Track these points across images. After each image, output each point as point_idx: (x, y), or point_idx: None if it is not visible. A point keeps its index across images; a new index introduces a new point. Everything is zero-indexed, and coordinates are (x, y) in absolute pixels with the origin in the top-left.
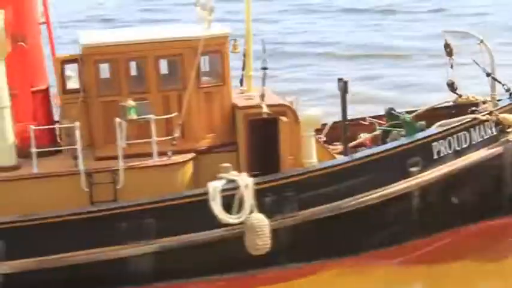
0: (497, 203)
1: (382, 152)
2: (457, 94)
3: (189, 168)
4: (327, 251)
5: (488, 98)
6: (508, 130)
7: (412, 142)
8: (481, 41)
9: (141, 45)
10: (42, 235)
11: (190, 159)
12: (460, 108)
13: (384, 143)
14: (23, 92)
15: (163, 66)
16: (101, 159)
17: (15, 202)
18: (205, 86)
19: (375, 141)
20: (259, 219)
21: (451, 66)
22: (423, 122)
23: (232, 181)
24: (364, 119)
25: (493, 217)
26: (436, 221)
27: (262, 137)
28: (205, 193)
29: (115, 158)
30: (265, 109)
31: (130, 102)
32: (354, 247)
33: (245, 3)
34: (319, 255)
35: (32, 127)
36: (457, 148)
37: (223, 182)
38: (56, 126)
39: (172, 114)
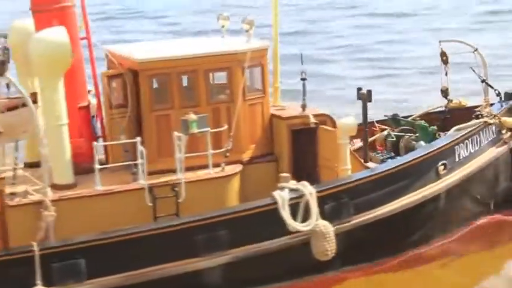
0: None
1: (420, 156)
2: (447, 99)
3: (238, 179)
4: (377, 253)
5: (482, 102)
6: (503, 131)
7: (442, 146)
8: (476, 50)
9: (192, 60)
10: (121, 251)
11: (240, 171)
12: (452, 112)
13: (396, 147)
14: (71, 108)
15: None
16: (153, 173)
17: (82, 220)
18: (250, 98)
19: (383, 145)
20: (326, 226)
21: (446, 74)
22: (435, 127)
23: (295, 190)
24: (372, 123)
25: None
26: (456, 219)
27: (304, 146)
28: (274, 202)
29: (168, 171)
30: (312, 119)
31: (192, 116)
32: (398, 247)
33: (273, 15)
34: (370, 257)
35: (96, 143)
36: (471, 150)
37: (286, 191)
38: (119, 142)
39: (225, 127)
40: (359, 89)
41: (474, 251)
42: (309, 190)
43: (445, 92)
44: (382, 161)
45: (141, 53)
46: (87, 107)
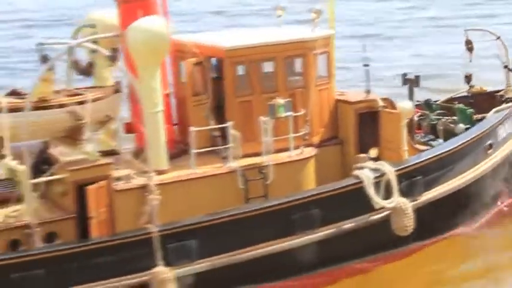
0: None
1: (476, 136)
2: (469, 85)
3: (314, 162)
4: (443, 227)
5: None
6: None
7: (489, 127)
8: (498, 38)
9: (273, 47)
10: (229, 231)
11: (315, 153)
12: (475, 97)
13: (434, 130)
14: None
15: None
16: (224, 157)
17: (181, 202)
18: (319, 84)
19: (420, 128)
20: (405, 203)
21: (470, 61)
22: (472, 110)
23: (376, 169)
24: None
25: None
26: (495, 195)
27: (370, 129)
28: (360, 181)
29: (252, 155)
30: (380, 103)
31: (280, 101)
32: (457, 222)
33: (329, 4)
34: (437, 232)
35: (192, 128)
36: (508, 131)
37: (367, 170)
38: (214, 127)
39: (303, 112)
40: (404, 75)
41: None
42: (389, 169)
43: (468, 78)
44: (425, 143)
45: (226, 41)
46: (168, 95)
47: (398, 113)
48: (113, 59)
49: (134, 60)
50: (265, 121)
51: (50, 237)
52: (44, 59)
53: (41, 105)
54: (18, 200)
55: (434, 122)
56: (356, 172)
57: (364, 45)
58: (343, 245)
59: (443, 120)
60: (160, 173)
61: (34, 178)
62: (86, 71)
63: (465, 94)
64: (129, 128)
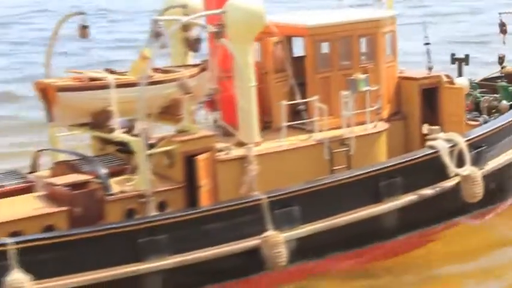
0: None
1: None
2: (501, 66)
3: (385, 135)
4: (499, 197)
5: None
6: None
7: None
8: None
9: (350, 25)
10: (326, 198)
11: (387, 127)
12: (508, 76)
13: (478, 107)
14: None
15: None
16: (309, 131)
17: (274, 173)
18: (387, 61)
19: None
20: (475, 171)
21: (504, 43)
22: None
23: (449, 140)
24: None
25: None
26: None
27: (433, 104)
28: (436, 151)
29: (331, 129)
30: (444, 79)
31: (360, 76)
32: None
33: None
34: (494, 201)
35: (284, 103)
36: None
37: (441, 141)
38: (300, 101)
39: (377, 87)
40: (453, 55)
41: None
42: (460, 139)
43: (501, 59)
44: (472, 119)
45: (308, 20)
46: None
47: (460, 88)
48: (219, 35)
49: (231, 36)
50: (346, 95)
51: (161, 206)
52: (157, 35)
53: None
54: (132, 171)
55: (479, 100)
56: (431, 143)
57: (424, 25)
58: (420, 212)
59: (486, 97)
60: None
61: (128, 153)
62: (194, 47)
63: (498, 74)
64: (211, 106)
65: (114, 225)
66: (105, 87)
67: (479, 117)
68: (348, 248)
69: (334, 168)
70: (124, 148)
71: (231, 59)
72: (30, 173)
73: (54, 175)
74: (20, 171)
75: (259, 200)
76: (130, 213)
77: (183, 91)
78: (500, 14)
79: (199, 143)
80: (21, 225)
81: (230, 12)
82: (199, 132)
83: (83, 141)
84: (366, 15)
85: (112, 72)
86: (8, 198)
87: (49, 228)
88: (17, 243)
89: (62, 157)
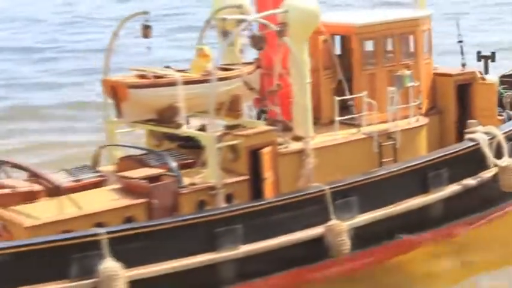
0: None
1: None
2: None
3: (426, 129)
4: None
5: None
6: None
7: None
8: None
9: (393, 24)
10: (381, 189)
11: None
12: None
13: (501, 102)
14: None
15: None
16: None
17: (329, 165)
18: (425, 58)
19: None
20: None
21: None
22: None
23: (488, 133)
24: None
25: None
26: None
27: (467, 99)
28: (477, 143)
29: (376, 123)
30: (479, 75)
31: (406, 72)
32: None
33: None
34: None
35: (337, 98)
36: None
37: (480, 133)
38: (352, 96)
39: (418, 83)
40: (479, 52)
41: None
42: (499, 132)
43: None
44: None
45: (355, 19)
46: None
47: (492, 83)
48: (282, 34)
49: (290, 35)
50: (392, 91)
51: (228, 198)
52: (225, 33)
53: (208, 78)
54: (201, 164)
55: (502, 95)
56: (472, 135)
57: (457, 22)
58: (462, 201)
59: (509, 93)
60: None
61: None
62: (259, 45)
63: None
64: (258, 103)
65: (194, 216)
66: (172, 84)
67: (502, 112)
68: (408, 234)
69: (383, 160)
70: (186, 143)
71: (287, 56)
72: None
73: (120, 170)
74: (91, 166)
75: (323, 190)
76: (201, 205)
77: (247, 87)
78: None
79: (263, 137)
80: (104, 217)
81: (291, 11)
82: (260, 127)
83: (139, 138)
84: (407, 14)
85: (174, 70)
86: (87, 191)
87: (129, 220)
88: (108, 233)
89: (120, 153)
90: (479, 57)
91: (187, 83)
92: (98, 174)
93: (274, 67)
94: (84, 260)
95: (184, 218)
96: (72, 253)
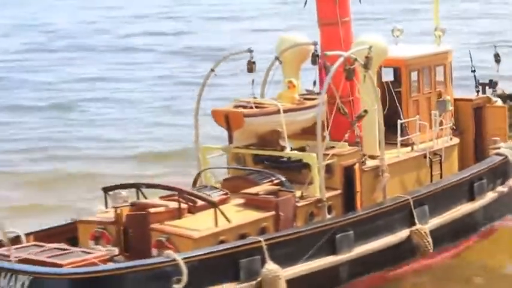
0: None
1: None
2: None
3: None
4: None
5: None
6: None
7: None
8: None
9: (431, 57)
10: (446, 197)
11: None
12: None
13: None
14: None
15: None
16: (409, 144)
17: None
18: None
19: None
20: None
21: (497, 71)
22: None
23: (510, 148)
24: None
25: None
26: None
27: (483, 120)
28: (505, 157)
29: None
30: (494, 99)
31: (448, 97)
32: None
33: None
34: None
35: (399, 121)
36: None
37: (504, 148)
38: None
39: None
40: (478, 80)
41: None
42: None
43: (495, 83)
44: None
45: (402, 53)
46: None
47: (504, 106)
48: (366, 66)
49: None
50: (435, 114)
51: (329, 210)
52: (326, 68)
53: (301, 107)
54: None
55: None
56: (498, 151)
57: (470, 53)
58: (497, 207)
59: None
60: (374, 157)
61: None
62: (351, 76)
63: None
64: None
65: (323, 224)
66: (277, 112)
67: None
68: (462, 235)
69: (433, 175)
70: (274, 164)
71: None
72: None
73: (227, 189)
74: (213, 186)
75: (407, 200)
76: (311, 217)
77: (342, 112)
78: (495, 46)
79: (352, 157)
80: (246, 228)
81: (374, 47)
82: (346, 148)
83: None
84: (439, 48)
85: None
86: (222, 206)
87: (263, 230)
88: (265, 240)
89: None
90: (478, 84)
91: (286, 111)
92: (223, 192)
93: (342, 95)
94: (250, 264)
95: (319, 225)
96: (240, 258)
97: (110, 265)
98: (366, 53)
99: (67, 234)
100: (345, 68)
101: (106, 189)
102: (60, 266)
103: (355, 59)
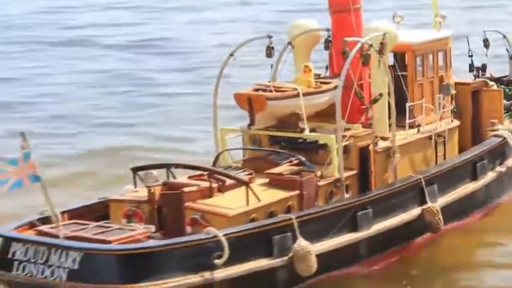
0: None
1: None
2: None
3: None
4: None
5: None
6: None
7: None
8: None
9: (435, 42)
10: (448, 177)
11: None
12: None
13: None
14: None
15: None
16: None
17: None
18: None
19: None
20: None
21: (486, 55)
22: None
23: (508, 130)
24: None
25: None
26: None
27: (480, 103)
28: (504, 138)
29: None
30: (490, 83)
31: (451, 81)
32: None
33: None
34: None
35: (407, 104)
36: None
37: (502, 131)
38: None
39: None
40: (471, 65)
41: None
42: None
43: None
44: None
45: (408, 39)
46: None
47: (500, 90)
48: (381, 52)
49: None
50: (439, 97)
51: (346, 189)
52: (346, 53)
53: (319, 90)
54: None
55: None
56: (497, 132)
57: (467, 39)
58: (496, 185)
59: None
60: (384, 139)
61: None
62: (367, 62)
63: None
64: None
65: (346, 202)
66: (297, 96)
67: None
68: (466, 213)
69: (437, 156)
70: (292, 145)
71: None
72: None
73: (249, 169)
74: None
75: (419, 180)
76: (330, 195)
77: (358, 96)
78: (484, 31)
79: (367, 138)
80: (274, 207)
81: (388, 34)
82: (360, 129)
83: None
84: (441, 34)
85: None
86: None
87: (289, 209)
88: (296, 218)
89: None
90: (472, 68)
91: (305, 94)
92: (248, 172)
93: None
94: (282, 240)
95: (343, 203)
96: (273, 235)
97: (157, 241)
98: (380, 39)
99: (96, 212)
100: (362, 54)
101: (135, 169)
102: (109, 242)
103: (371, 45)
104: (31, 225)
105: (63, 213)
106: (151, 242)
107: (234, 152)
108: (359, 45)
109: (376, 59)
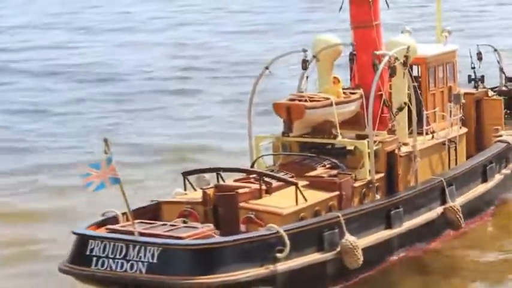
0: None
1: None
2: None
3: None
4: None
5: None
6: None
7: None
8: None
9: (444, 55)
10: (464, 179)
11: None
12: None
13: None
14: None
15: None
16: (432, 132)
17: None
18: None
19: None
20: None
21: (479, 67)
22: None
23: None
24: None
25: None
26: None
27: (482, 111)
28: (508, 144)
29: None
30: (491, 93)
31: (462, 91)
32: None
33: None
34: None
35: (425, 112)
36: None
37: (506, 136)
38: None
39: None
40: (470, 76)
41: None
42: None
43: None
44: None
45: (423, 51)
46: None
47: (500, 99)
48: (405, 64)
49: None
50: (451, 105)
51: (376, 190)
52: (375, 66)
53: (349, 99)
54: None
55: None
56: (501, 138)
57: (470, 51)
58: (501, 187)
59: None
60: (405, 144)
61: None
62: (394, 73)
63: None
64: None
65: (383, 201)
66: (330, 105)
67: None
68: (479, 211)
69: (450, 160)
70: (324, 150)
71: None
72: None
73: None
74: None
75: (441, 181)
76: (363, 196)
77: (385, 104)
78: (478, 45)
79: (393, 143)
80: (318, 206)
81: (411, 47)
82: (385, 135)
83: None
84: (449, 47)
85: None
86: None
87: (330, 208)
88: (343, 215)
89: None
90: (470, 79)
91: (337, 103)
92: (290, 175)
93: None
94: (331, 236)
95: (380, 203)
96: (324, 231)
97: (226, 237)
98: (404, 52)
99: (148, 214)
100: (390, 66)
101: (185, 174)
102: (182, 238)
103: (396, 58)
104: (98, 225)
105: (123, 214)
106: (222, 238)
107: (266, 158)
108: (387, 58)
109: (401, 70)
